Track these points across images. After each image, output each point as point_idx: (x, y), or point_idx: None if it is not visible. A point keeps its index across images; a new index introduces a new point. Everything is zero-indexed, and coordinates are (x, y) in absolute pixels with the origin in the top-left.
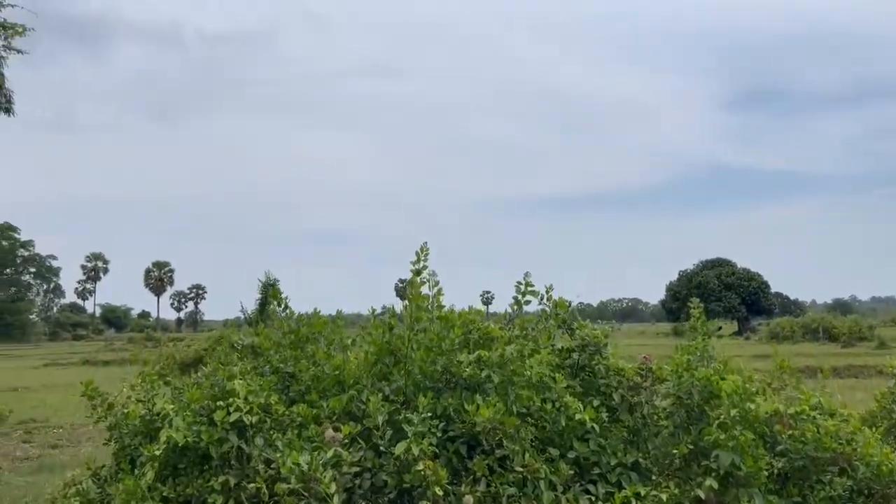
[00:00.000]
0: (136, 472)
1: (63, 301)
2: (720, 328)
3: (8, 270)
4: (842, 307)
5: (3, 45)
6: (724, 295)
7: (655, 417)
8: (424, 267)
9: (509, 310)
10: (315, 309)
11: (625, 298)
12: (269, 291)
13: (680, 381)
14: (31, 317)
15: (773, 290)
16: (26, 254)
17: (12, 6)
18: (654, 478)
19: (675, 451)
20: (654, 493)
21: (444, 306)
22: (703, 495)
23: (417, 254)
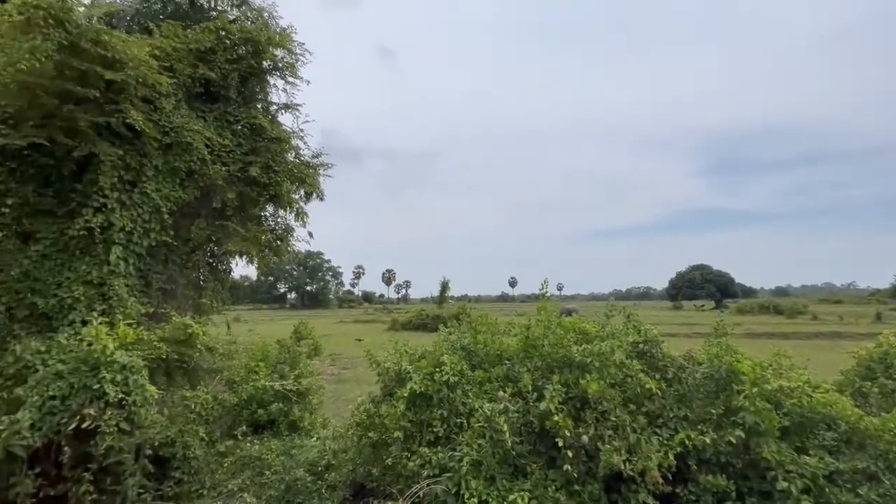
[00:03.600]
0: (394, 402)
1: (343, 289)
2: (703, 306)
3: (319, 274)
4: (781, 291)
5: (323, 175)
6: (705, 285)
7: (696, 386)
8: (546, 292)
9: (555, 299)
10: (469, 300)
11: (641, 286)
12: (444, 286)
13: (712, 364)
14: (329, 296)
15: (737, 281)
16: (327, 266)
17: (327, 155)
18: (699, 426)
19: (713, 410)
20: (700, 437)
21: (560, 315)
22: (734, 441)
23: (542, 284)
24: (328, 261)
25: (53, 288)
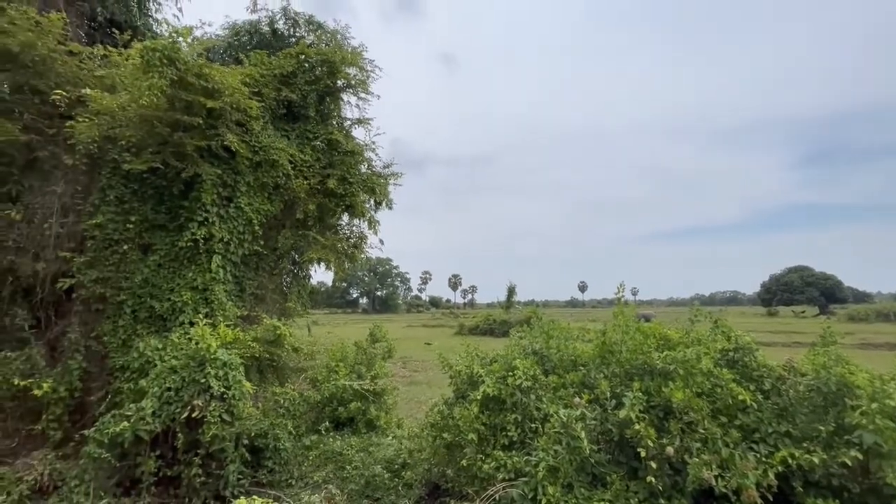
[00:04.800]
0: (467, 405)
1: (412, 294)
2: (804, 312)
3: (389, 280)
4: None
5: (393, 184)
6: (805, 289)
7: (800, 400)
8: (622, 296)
9: (640, 307)
10: (537, 305)
11: (728, 290)
12: (511, 291)
13: (818, 375)
14: (398, 301)
15: (846, 284)
16: (396, 272)
17: (397, 165)
18: (804, 444)
19: (821, 427)
20: (806, 456)
21: (637, 321)
22: (849, 462)
23: (618, 288)
24: (397, 267)
25: (167, 293)
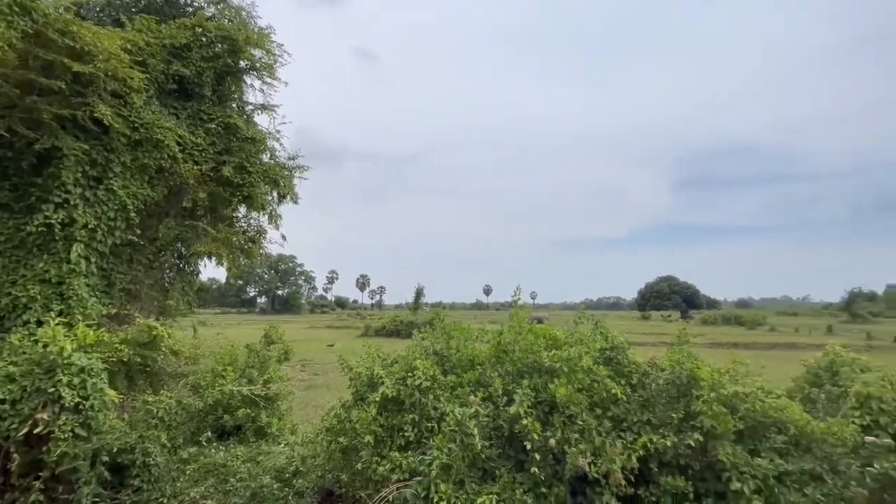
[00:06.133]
0: (366, 407)
1: (316, 294)
2: (670, 315)
3: (291, 278)
4: (743, 303)
5: (298, 177)
6: (672, 296)
7: (659, 392)
8: (518, 299)
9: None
10: (444, 307)
11: (612, 296)
12: (419, 293)
13: (674, 371)
14: (301, 301)
15: (702, 293)
16: (299, 270)
17: (303, 157)
18: (660, 430)
19: (673, 415)
20: (661, 440)
21: (530, 322)
22: (693, 444)
23: (515, 291)
24: (301, 265)
25: (7, 286)
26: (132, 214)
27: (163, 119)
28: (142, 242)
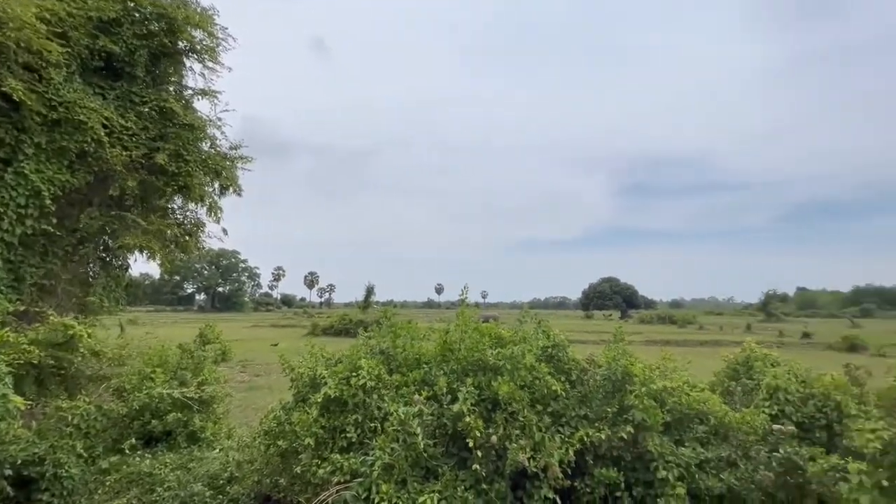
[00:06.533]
0: (307, 408)
1: (261, 291)
2: (611, 315)
3: (234, 275)
4: (675, 304)
5: (241, 168)
6: (613, 297)
7: (596, 387)
8: (466, 298)
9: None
10: (395, 306)
11: (559, 296)
12: (369, 291)
13: (610, 367)
14: (244, 299)
15: (640, 294)
16: (243, 266)
17: (247, 148)
18: (596, 424)
19: (609, 409)
20: (597, 434)
21: (478, 321)
22: (625, 436)
23: (462, 290)
24: (245, 260)
25: None
26: (47, 202)
27: (86, 98)
28: (59, 233)
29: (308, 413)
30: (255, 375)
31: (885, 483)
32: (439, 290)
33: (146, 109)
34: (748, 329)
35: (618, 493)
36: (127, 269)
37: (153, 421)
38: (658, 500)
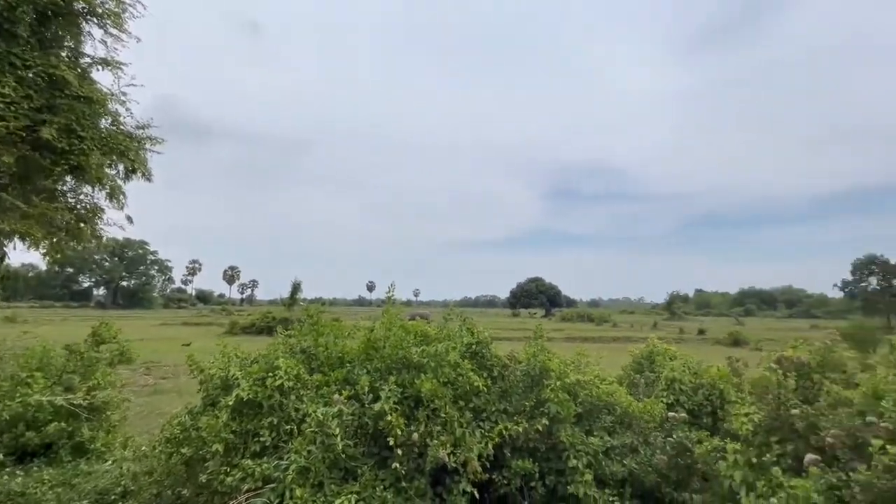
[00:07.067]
0: (217, 412)
1: (173, 286)
2: (536, 313)
3: (142, 267)
4: (594, 303)
5: (150, 150)
6: (538, 296)
7: (516, 382)
8: (392, 296)
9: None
10: (319, 304)
11: (489, 294)
12: (296, 287)
13: (529, 363)
14: (153, 294)
15: (563, 293)
16: (152, 258)
17: (156, 126)
18: (515, 417)
19: (526, 403)
20: (515, 427)
21: (403, 319)
22: (540, 428)
23: (389, 288)
24: (155, 252)
25: None
26: None
27: None
28: None
29: (218, 417)
30: (162, 378)
31: (754, 460)
32: (371, 288)
33: (30, 75)
34: (655, 326)
35: (532, 483)
36: (2, 259)
37: (28, 433)
38: (568, 487)
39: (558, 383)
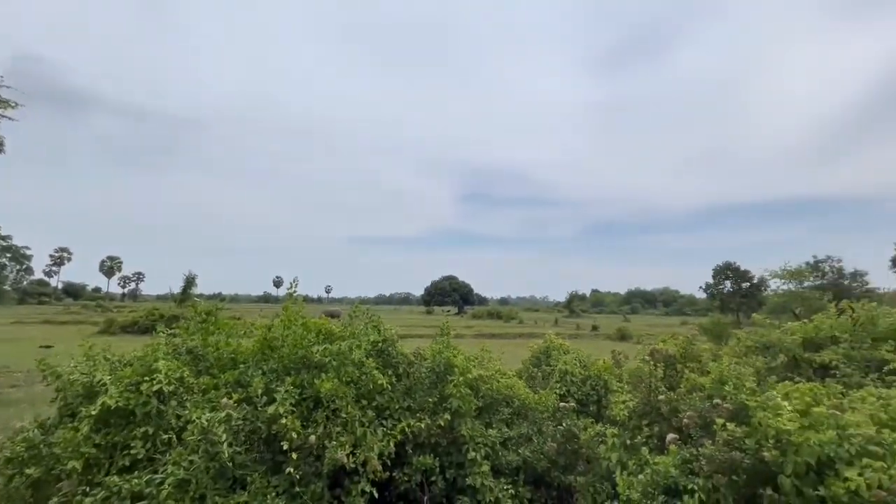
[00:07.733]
0: (76, 424)
1: (32, 277)
2: (449, 310)
3: None
4: (503, 301)
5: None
6: (452, 293)
7: (421, 379)
8: (295, 291)
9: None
10: (218, 301)
11: (403, 291)
12: (189, 281)
13: (434, 359)
14: (4, 287)
15: (475, 291)
16: (3, 244)
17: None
18: (418, 414)
19: (430, 399)
20: (417, 423)
21: (304, 317)
22: (443, 423)
23: (291, 283)
24: (7, 237)
25: None
26: None
27: None
28: None
29: (77, 430)
30: (11, 387)
31: (628, 442)
32: (278, 284)
33: None
34: (556, 323)
35: (433, 478)
36: None
37: None
38: (467, 479)
39: (461, 379)
